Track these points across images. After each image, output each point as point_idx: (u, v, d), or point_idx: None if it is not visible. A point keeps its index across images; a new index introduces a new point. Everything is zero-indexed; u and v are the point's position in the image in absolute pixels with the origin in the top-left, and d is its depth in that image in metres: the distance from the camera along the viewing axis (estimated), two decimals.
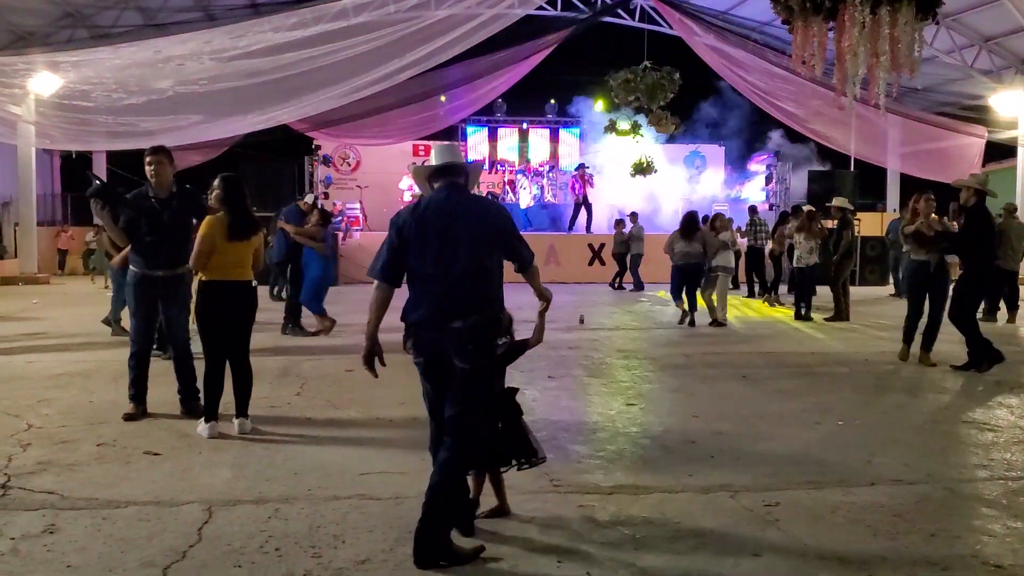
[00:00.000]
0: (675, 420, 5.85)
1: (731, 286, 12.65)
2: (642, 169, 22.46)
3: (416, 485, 3.87)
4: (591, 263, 19.63)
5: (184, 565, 3.27)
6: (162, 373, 6.08)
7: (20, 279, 18.67)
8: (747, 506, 4.00)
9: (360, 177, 23.31)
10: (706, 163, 25.38)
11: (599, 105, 23.61)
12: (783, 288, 15.28)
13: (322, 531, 3.62)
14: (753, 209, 16.42)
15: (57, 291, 16.99)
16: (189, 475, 4.43)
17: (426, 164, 3.90)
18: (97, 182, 5.67)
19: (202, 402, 5.40)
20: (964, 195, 7.86)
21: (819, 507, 3.99)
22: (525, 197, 23.14)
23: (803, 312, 12.05)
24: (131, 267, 5.78)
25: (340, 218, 19.81)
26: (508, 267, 3.63)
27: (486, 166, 23.36)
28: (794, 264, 12.96)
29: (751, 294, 15.75)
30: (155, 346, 6.66)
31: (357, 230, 20.28)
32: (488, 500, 3.81)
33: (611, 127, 21.56)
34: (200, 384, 5.49)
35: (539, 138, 25.10)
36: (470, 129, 24.48)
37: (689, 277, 11.36)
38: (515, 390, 3.88)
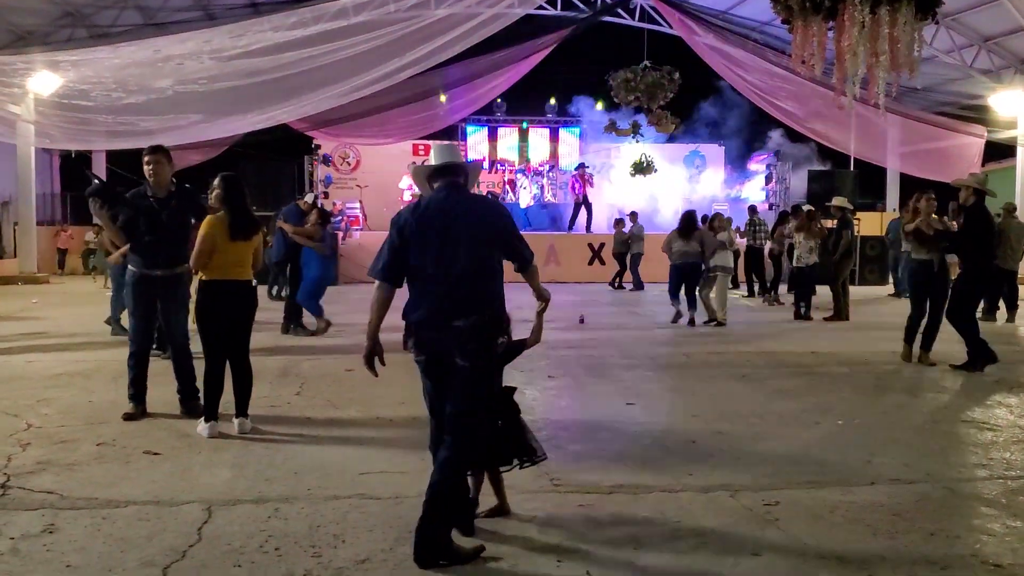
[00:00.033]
0: (675, 420, 5.85)
1: (730, 286, 12.65)
2: (642, 169, 22.48)
3: (416, 485, 3.87)
4: (591, 263, 19.63)
5: (184, 565, 3.27)
6: (162, 373, 6.07)
7: (19, 279, 18.66)
8: (747, 505, 4.01)
9: (360, 177, 23.33)
10: (706, 163, 25.38)
11: (599, 104, 23.64)
12: (783, 288, 15.28)
13: (322, 531, 3.62)
14: (753, 209, 16.43)
15: (57, 291, 16.99)
16: (189, 475, 4.43)
17: (425, 164, 3.90)
18: (96, 181, 5.67)
19: (202, 402, 5.40)
20: (963, 194, 7.86)
21: (819, 506, 3.99)
22: (525, 197, 23.15)
23: (803, 311, 12.06)
24: (129, 266, 5.78)
25: (340, 217, 19.82)
26: (508, 267, 3.63)
27: (486, 165, 23.36)
28: (794, 263, 12.97)
29: (751, 293, 15.77)
30: (155, 346, 6.66)
31: (357, 229, 20.28)
32: (488, 499, 3.81)
33: (611, 126, 21.57)
34: (200, 384, 5.49)
35: (539, 138, 25.10)
36: (470, 128, 24.49)
37: (687, 276, 11.37)
38: (513, 389, 3.88)
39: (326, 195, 19.80)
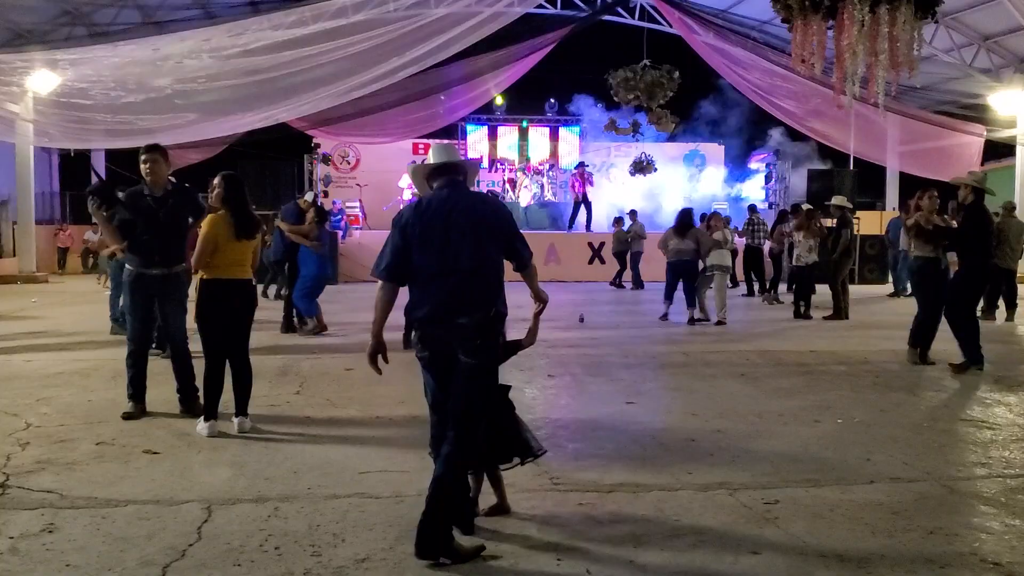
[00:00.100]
0: (674, 418, 5.85)
1: (729, 284, 12.66)
2: (642, 168, 22.47)
3: (416, 483, 3.87)
4: (591, 261, 19.64)
5: (183, 564, 3.27)
6: (161, 372, 6.07)
7: (19, 278, 18.66)
8: (746, 504, 4.01)
9: (359, 175, 23.33)
10: (706, 162, 25.40)
11: (599, 103, 23.64)
12: (782, 287, 15.28)
13: (322, 530, 3.62)
14: (753, 208, 16.43)
15: (56, 290, 16.99)
16: (188, 474, 4.43)
17: (424, 163, 3.90)
18: (98, 180, 5.67)
19: (201, 401, 5.40)
20: (962, 193, 7.86)
21: (818, 505, 4.00)
22: (525, 195, 23.14)
23: (802, 310, 12.06)
24: (127, 266, 5.77)
25: (340, 216, 19.81)
26: (507, 267, 3.64)
27: (485, 164, 23.37)
28: (793, 262, 12.98)
29: (750, 292, 15.77)
30: (154, 345, 6.65)
31: (357, 228, 20.28)
32: (488, 499, 3.82)
33: (611, 125, 21.56)
34: (199, 383, 5.48)
35: (539, 136, 25.10)
36: (470, 127, 24.48)
37: (682, 274, 11.39)
38: (507, 387, 3.88)
39: (326, 194, 19.79)
